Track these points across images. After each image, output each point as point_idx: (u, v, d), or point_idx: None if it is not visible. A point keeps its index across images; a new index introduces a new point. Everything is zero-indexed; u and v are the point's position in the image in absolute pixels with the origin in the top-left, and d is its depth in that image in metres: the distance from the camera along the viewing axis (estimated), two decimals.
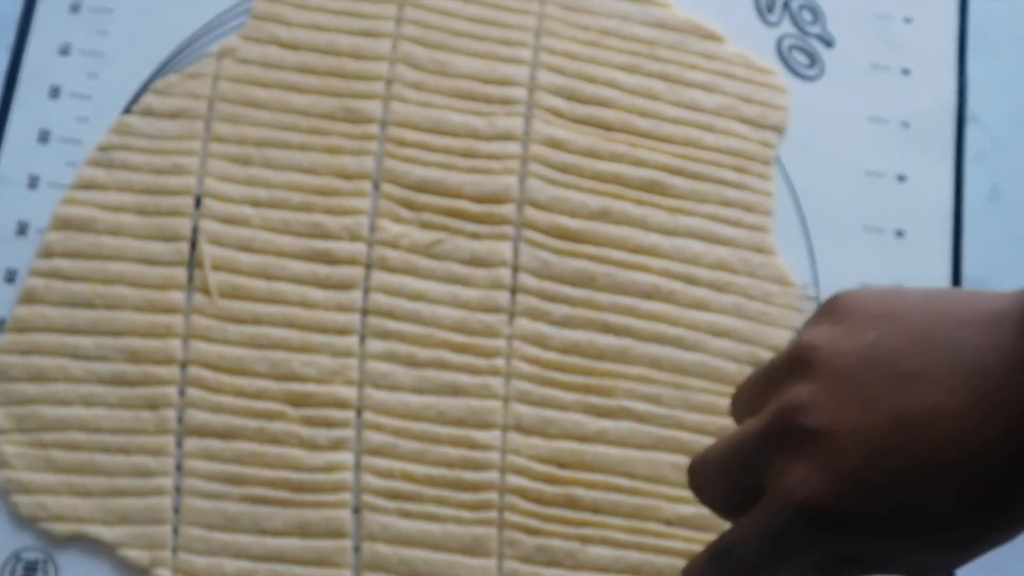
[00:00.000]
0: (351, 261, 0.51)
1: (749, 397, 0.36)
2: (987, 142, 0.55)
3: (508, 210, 0.52)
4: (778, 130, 0.55)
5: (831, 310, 0.35)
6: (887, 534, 0.31)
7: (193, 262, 0.50)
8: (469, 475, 0.49)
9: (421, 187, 0.52)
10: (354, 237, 0.51)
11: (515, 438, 0.49)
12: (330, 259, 0.51)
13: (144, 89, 0.53)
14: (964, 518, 0.31)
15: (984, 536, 0.32)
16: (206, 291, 0.50)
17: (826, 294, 0.50)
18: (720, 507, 0.36)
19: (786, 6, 0.57)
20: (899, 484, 0.31)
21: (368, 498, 0.48)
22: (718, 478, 0.35)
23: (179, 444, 0.49)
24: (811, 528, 0.32)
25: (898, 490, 0.31)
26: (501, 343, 0.50)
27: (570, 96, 0.54)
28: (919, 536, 0.31)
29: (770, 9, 0.57)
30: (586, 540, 0.48)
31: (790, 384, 0.33)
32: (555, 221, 0.52)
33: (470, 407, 0.50)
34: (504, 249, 0.51)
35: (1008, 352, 0.31)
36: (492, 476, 0.49)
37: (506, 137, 0.53)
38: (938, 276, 0.53)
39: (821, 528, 0.32)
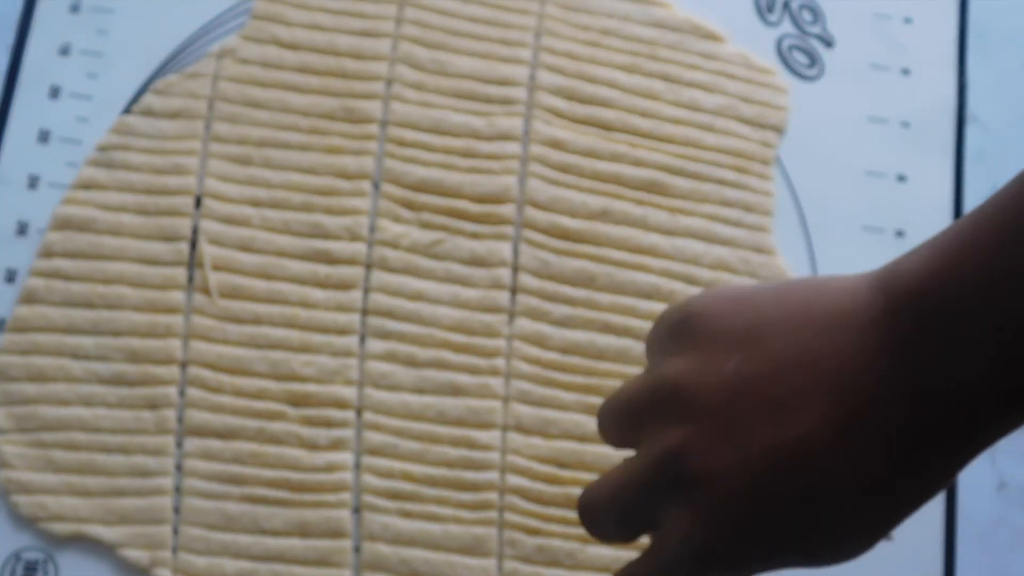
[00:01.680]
0: (351, 261, 0.51)
1: (619, 424, 0.36)
2: (987, 142, 0.55)
3: (508, 210, 0.52)
4: (778, 130, 0.55)
5: (687, 333, 0.34)
6: (778, 560, 0.33)
7: (193, 262, 0.50)
8: (469, 475, 0.49)
9: (421, 187, 0.52)
10: (354, 237, 0.51)
11: (515, 438, 0.49)
12: (330, 259, 0.51)
13: (144, 89, 0.53)
14: (848, 534, 0.32)
15: (872, 540, 0.33)
16: (206, 291, 0.50)
17: None
18: (616, 542, 0.37)
19: (786, 6, 0.57)
20: (784, 516, 0.32)
21: (368, 498, 0.48)
22: (609, 519, 0.36)
23: (179, 444, 0.49)
24: (706, 569, 0.33)
25: (783, 522, 0.32)
26: (501, 343, 0.50)
27: (570, 96, 0.54)
28: (808, 554, 0.33)
29: (770, 9, 0.57)
30: (586, 540, 0.48)
31: (662, 426, 0.33)
32: (555, 221, 0.52)
33: (470, 407, 0.50)
34: (504, 249, 0.51)
35: (866, 353, 0.31)
36: (492, 476, 0.49)
37: (506, 137, 0.53)
38: None
39: (716, 568, 0.33)
